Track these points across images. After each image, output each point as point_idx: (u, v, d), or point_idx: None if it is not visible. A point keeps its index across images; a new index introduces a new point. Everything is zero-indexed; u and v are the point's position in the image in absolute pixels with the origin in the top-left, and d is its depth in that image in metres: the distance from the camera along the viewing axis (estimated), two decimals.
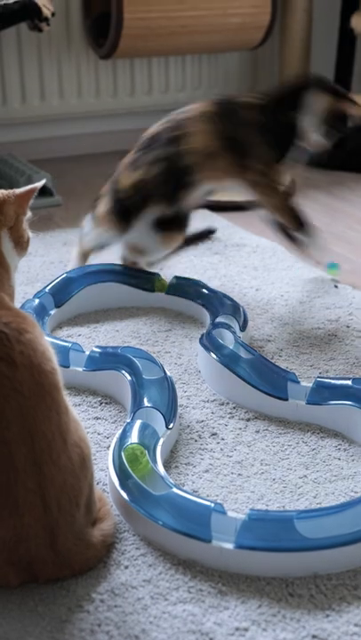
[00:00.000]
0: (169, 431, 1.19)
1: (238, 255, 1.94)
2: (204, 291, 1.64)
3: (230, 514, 1.01)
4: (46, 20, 2.09)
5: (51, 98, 2.68)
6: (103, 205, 1.66)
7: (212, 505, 1.01)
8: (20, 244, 1.05)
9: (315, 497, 1.11)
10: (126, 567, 0.98)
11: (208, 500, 1.03)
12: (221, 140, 1.61)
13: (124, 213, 1.63)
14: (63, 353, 1.35)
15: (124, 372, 1.31)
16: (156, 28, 2.44)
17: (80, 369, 1.36)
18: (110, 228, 1.66)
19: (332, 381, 1.30)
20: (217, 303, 1.58)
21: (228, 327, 1.46)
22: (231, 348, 1.38)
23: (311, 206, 2.12)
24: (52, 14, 2.11)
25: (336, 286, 1.77)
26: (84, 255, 1.74)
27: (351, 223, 2.13)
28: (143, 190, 1.61)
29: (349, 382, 1.27)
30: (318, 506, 1.09)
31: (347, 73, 2.69)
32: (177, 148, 1.60)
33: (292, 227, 1.72)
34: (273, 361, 1.44)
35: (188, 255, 1.92)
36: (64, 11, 2.58)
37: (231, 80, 2.96)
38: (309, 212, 1.76)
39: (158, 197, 1.61)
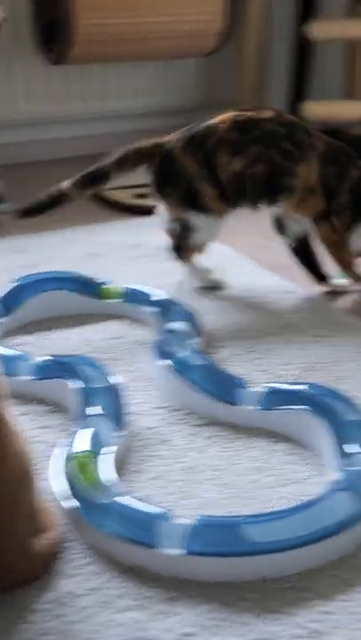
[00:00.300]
0: (118, 438, 1.18)
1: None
2: (158, 297, 1.64)
3: (179, 520, 1.00)
4: None
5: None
6: (206, 189, 1.65)
7: (161, 511, 1.00)
8: None
9: (266, 501, 1.10)
10: (72, 576, 0.97)
11: (157, 507, 1.03)
12: (322, 186, 1.68)
13: (228, 196, 1.66)
14: (10, 362, 1.34)
15: (72, 379, 1.29)
16: (111, 35, 2.44)
17: (27, 377, 1.34)
18: (223, 212, 1.68)
19: (285, 386, 1.30)
20: (170, 309, 1.57)
21: (181, 334, 1.45)
22: (183, 354, 1.37)
23: None
24: (4, 19, 2.10)
25: (291, 291, 1.77)
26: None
27: None
28: (240, 182, 1.65)
29: (302, 387, 1.27)
30: (270, 510, 1.08)
31: (303, 81, 2.70)
32: (288, 164, 1.65)
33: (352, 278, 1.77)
34: (227, 367, 1.44)
35: (142, 261, 1.92)
36: (13, 16, 2.56)
37: (187, 87, 2.97)
38: None
39: (251, 197, 1.67)
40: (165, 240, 1.76)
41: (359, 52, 2.87)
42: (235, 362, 1.47)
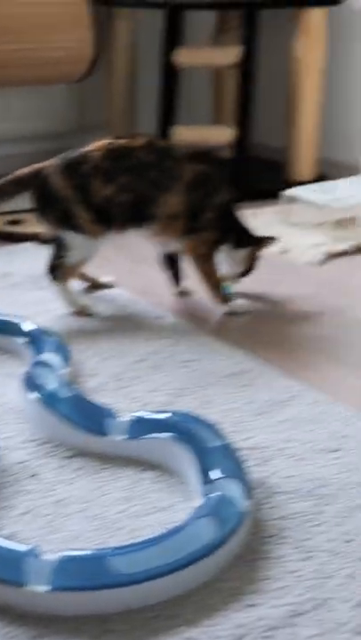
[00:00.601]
0: None
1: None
2: (27, 327, 1.65)
3: (45, 556, 1.01)
4: None
5: None
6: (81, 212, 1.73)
7: (27, 548, 1.01)
8: None
9: (132, 531, 1.13)
10: None
11: (23, 544, 1.04)
12: (186, 211, 1.76)
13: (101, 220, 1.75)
14: None
15: None
16: None
17: None
18: (97, 234, 1.76)
19: (151, 415, 1.33)
20: (39, 340, 1.59)
21: (50, 365, 1.46)
22: (52, 386, 1.39)
23: None
24: None
25: (159, 317, 1.81)
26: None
27: None
28: (110, 207, 1.74)
29: (165, 415, 1.31)
30: (136, 539, 1.11)
31: (171, 105, 2.76)
32: (153, 193, 1.73)
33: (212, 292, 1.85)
34: (96, 396, 1.46)
35: (13, 290, 1.92)
36: None
37: (58, 112, 2.99)
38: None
39: (119, 222, 1.76)
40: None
41: (225, 78, 2.96)
42: (104, 391, 1.50)
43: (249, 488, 1.15)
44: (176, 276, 1.93)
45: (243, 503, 1.11)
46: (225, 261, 1.85)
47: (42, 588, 0.98)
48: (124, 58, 2.85)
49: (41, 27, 2.55)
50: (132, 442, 1.29)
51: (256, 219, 2.39)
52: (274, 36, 2.92)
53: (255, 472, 1.24)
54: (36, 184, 1.75)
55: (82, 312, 1.82)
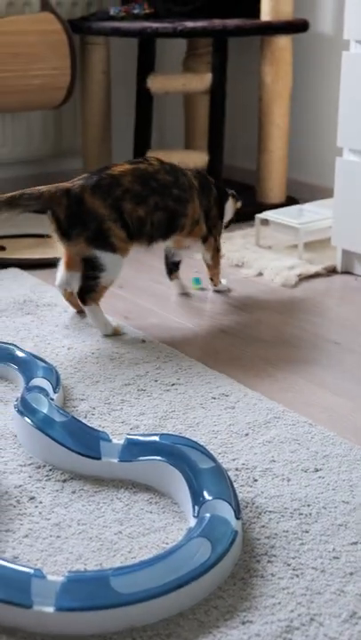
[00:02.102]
0: None
1: (50, 314, 2.00)
2: (18, 353, 1.69)
3: (49, 577, 1.06)
4: None
5: None
6: (115, 230, 1.83)
7: (32, 570, 1.06)
8: None
9: (129, 552, 1.18)
10: None
11: (27, 566, 1.09)
12: (203, 213, 2.02)
13: (131, 237, 1.88)
14: None
15: None
16: None
17: None
18: (126, 252, 1.89)
19: (141, 438, 1.38)
20: (30, 366, 1.63)
21: (42, 390, 1.51)
22: (45, 411, 1.44)
23: None
24: None
25: (143, 341, 1.86)
26: None
27: (156, 276, 2.24)
28: (143, 226, 1.88)
29: (156, 438, 1.36)
30: (133, 560, 1.16)
31: (146, 130, 2.82)
32: (181, 208, 1.93)
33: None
34: (86, 420, 1.51)
35: None
36: None
37: (35, 138, 3.04)
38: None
39: (150, 237, 1.91)
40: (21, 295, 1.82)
41: (196, 103, 3.03)
42: (94, 414, 1.55)
43: (239, 508, 1.21)
44: (173, 269, 2.16)
45: (234, 523, 1.17)
46: None
47: (48, 609, 1.03)
48: (99, 84, 2.92)
49: (22, 55, 2.61)
50: (125, 464, 1.34)
51: (230, 241, 2.47)
52: (243, 63, 3.01)
53: (243, 492, 1.31)
54: (68, 203, 1.80)
55: (115, 333, 1.89)
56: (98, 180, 1.83)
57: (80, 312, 1.99)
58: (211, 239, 2.09)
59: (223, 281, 2.20)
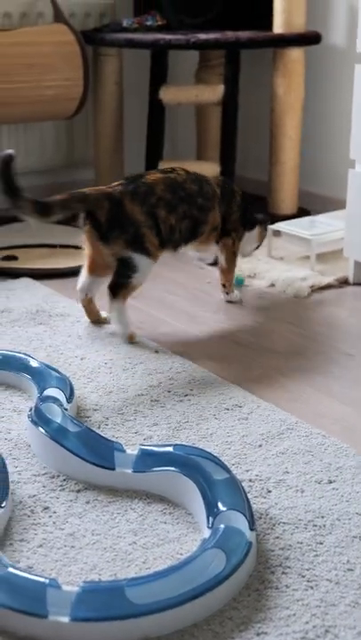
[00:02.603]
0: (1, 509, 1.23)
1: (63, 324, 2.01)
2: (31, 363, 1.70)
3: (65, 587, 1.06)
4: None
5: None
6: (150, 236, 1.92)
7: (47, 581, 1.07)
8: None
9: (144, 562, 1.18)
10: None
11: (42, 576, 1.09)
12: (221, 220, 2.09)
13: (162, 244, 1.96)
14: None
15: None
16: None
17: None
18: (157, 257, 1.97)
19: (155, 448, 1.39)
20: (43, 376, 1.64)
21: (55, 400, 1.52)
22: (59, 421, 1.44)
23: None
24: None
25: (157, 351, 1.87)
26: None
27: (169, 287, 2.25)
28: (173, 234, 1.97)
29: (170, 449, 1.37)
30: (148, 571, 1.16)
31: (158, 141, 2.83)
32: (203, 216, 2.02)
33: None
34: (99, 430, 1.52)
35: (12, 326, 1.97)
36: None
37: (47, 148, 3.05)
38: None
39: (177, 245, 2.00)
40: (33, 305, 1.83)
41: (208, 115, 3.04)
42: (107, 425, 1.55)
43: (253, 519, 1.21)
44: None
45: (248, 534, 1.17)
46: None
47: (64, 619, 1.03)
48: (112, 95, 2.93)
49: (35, 66, 2.62)
50: (139, 475, 1.35)
51: None
52: (255, 75, 3.02)
53: (257, 503, 1.31)
54: (110, 207, 1.88)
55: (130, 338, 1.94)
56: (135, 187, 1.91)
57: (95, 322, 2.00)
58: (228, 241, 2.13)
59: (236, 292, 2.20)
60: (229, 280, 2.19)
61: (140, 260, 1.90)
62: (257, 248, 2.29)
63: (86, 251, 1.95)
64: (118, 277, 1.91)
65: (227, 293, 2.21)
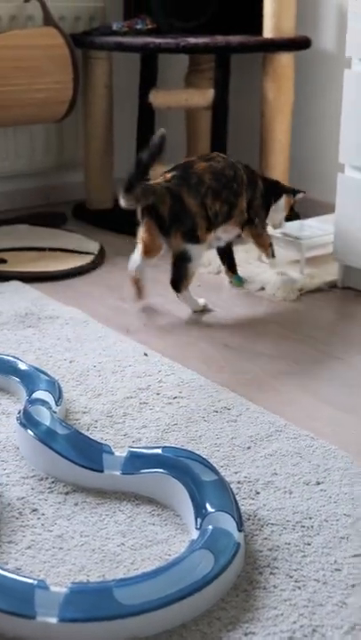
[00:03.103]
0: None
1: (52, 327, 2.01)
2: (20, 366, 1.70)
3: (53, 588, 1.06)
4: None
5: None
6: (202, 224, 2.07)
7: (35, 582, 1.07)
8: None
9: (132, 563, 1.19)
10: None
11: (31, 577, 1.09)
12: (247, 205, 2.21)
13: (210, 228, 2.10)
14: None
15: None
16: None
17: None
18: (206, 242, 2.12)
19: (144, 450, 1.39)
20: (32, 378, 1.64)
21: (44, 403, 1.52)
22: (47, 424, 1.44)
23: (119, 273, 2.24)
24: None
25: (146, 354, 1.87)
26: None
27: (159, 290, 2.25)
28: (217, 218, 2.11)
29: (159, 451, 1.37)
30: (136, 571, 1.17)
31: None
32: (236, 201, 2.15)
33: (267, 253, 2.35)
34: (89, 432, 1.52)
35: (1, 329, 1.97)
36: None
37: (37, 151, 3.05)
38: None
39: (217, 227, 2.14)
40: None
41: (198, 119, 3.05)
42: (96, 427, 1.55)
43: (241, 521, 1.22)
44: (231, 265, 2.35)
45: (236, 535, 1.18)
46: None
47: (52, 620, 1.03)
48: (102, 98, 2.94)
49: (25, 69, 2.62)
50: (127, 477, 1.35)
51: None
52: (245, 79, 3.03)
53: (246, 505, 1.31)
54: (172, 202, 2.02)
55: (204, 308, 2.15)
56: (188, 179, 2.05)
57: (138, 297, 2.16)
58: (251, 226, 2.25)
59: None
60: (268, 250, 2.34)
61: (193, 249, 2.06)
62: (288, 219, 2.39)
63: (142, 236, 2.08)
64: (176, 272, 2.07)
65: (267, 258, 2.36)
